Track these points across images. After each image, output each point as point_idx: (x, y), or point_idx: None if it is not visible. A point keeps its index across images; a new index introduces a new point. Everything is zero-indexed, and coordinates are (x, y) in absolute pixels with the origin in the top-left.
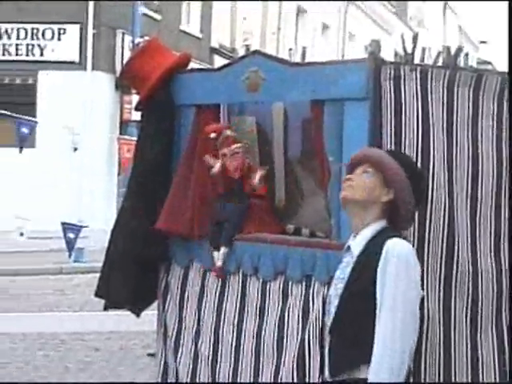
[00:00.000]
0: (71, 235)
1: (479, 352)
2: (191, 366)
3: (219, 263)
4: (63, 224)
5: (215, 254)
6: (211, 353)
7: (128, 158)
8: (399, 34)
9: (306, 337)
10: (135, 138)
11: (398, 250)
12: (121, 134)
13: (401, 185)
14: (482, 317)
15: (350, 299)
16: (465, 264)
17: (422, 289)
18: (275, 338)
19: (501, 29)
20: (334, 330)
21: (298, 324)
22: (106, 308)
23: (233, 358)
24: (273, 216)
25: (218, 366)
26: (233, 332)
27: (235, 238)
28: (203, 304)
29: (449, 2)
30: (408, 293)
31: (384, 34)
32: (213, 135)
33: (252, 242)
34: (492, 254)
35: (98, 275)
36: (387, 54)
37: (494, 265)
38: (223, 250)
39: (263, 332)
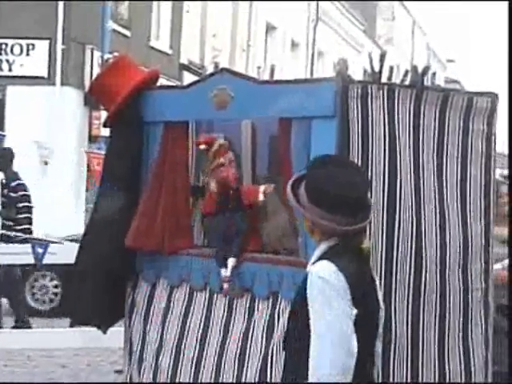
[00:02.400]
0: (39, 250)
1: (446, 367)
2: (151, 381)
3: (227, 273)
4: (31, 239)
5: (223, 270)
6: (171, 367)
7: (99, 170)
8: (368, 52)
9: (270, 352)
10: (104, 152)
11: (319, 272)
12: (89, 149)
13: (298, 209)
14: (449, 334)
15: (290, 317)
16: (433, 281)
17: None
18: (237, 353)
19: (468, 48)
20: (284, 346)
21: (262, 340)
22: (72, 325)
23: (193, 373)
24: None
25: (178, 380)
26: (195, 347)
27: (196, 253)
28: (167, 319)
29: (417, 21)
30: (333, 313)
31: (353, 52)
32: (202, 147)
33: None
34: (460, 271)
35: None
36: (356, 72)
37: (461, 283)
38: (232, 260)
39: (226, 347)
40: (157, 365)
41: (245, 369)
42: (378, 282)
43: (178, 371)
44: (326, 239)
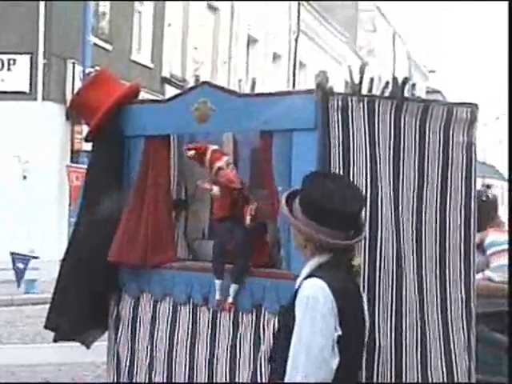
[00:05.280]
0: (20, 265)
1: (429, 376)
2: None
3: (230, 300)
4: (12, 254)
5: (217, 282)
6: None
7: (77, 185)
8: (349, 63)
9: (258, 366)
10: (85, 166)
11: (307, 291)
12: (72, 163)
13: (294, 223)
14: (430, 344)
15: (279, 331)
16: (412, 290)
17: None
18: (228, 368)
19: (449, 58)
20: (270, 359)
21: (250, 353)
22: (56, 340)
23: None
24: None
25: None
26: (185, 362)
27: (179, 266)
28: (155, 335)
29: (398, 32)
30: (313, 334)
31: (335, 64)
32: (190, 153)
33: (202, 272)
34: (437, 281)
35: (48, 307)
36: (338, 84)
37: (439, 292)
38: (234, 286)
39: (215, 362)
40: (150, 381)
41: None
42: (364, 299)
43: None
44: (318, 254)
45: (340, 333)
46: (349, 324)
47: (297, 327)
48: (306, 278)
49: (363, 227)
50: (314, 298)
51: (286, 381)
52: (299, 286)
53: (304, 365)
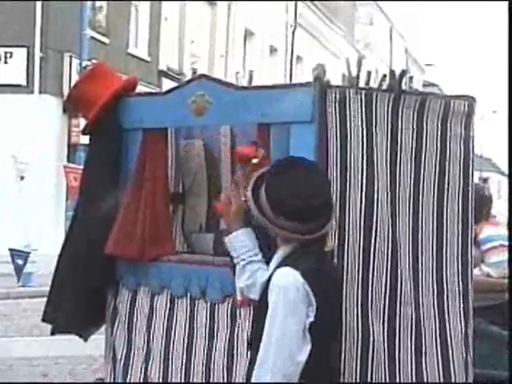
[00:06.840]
0: (20, 261)
1: (424, 370)
2: None
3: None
4: (11, 250)
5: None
6: (161, 377)
7: (75, 186)
8: (347, 57)
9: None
10: (82, 166)
11: (279, 281)
12: (69, 157)
13: (255, 215)
14: (425, 337)
15: (255, 319)
16: (407, 284)
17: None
18: (225, 361)
19: (446, 51)
20: (250, 346)
21: (248, 345)
22: (53, 333)
23: (183, 382)
24: None
25: None
26: (182, 355)
27: (177, 259)
28: (152, 328)
29: (395, 26)
30: (285, 323)
31: (332, 57)
32: (255, 161)
33: (200, 265)
34: (434, 274)
35: (45, 300)
36: (335, 77)
37: (435, 285)
38: None
39: (213, 355)
40: (146, 374)
41: (233, 377)
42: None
43: (169, 380)
44: (287, 243)
45: (312, 319)
46: (323, 309)
47: (269, 316)
48: (278, 265)
49: (331, 214)
50: (286, 287)
51: (256, 368)
52: (271, 275)
53: (275, 353)
